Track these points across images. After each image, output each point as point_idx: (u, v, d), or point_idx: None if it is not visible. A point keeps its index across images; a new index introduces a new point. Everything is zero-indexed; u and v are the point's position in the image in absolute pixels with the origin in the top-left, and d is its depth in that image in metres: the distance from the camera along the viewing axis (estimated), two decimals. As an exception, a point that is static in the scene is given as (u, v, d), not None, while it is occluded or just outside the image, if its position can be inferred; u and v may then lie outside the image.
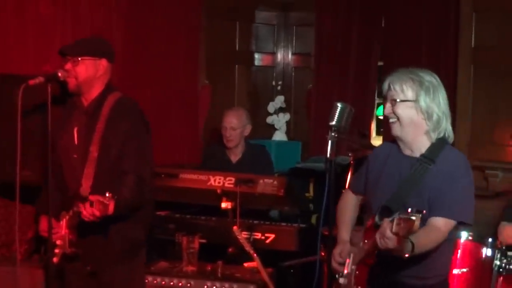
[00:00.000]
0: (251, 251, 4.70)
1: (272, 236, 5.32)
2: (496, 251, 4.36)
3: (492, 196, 5.95)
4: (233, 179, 5.38)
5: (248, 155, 6.02)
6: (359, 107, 6.93)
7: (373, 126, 7.38)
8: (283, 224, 5.47)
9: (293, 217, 5.74)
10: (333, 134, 3.27)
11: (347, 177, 5.04)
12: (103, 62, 4.17)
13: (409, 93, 3.36)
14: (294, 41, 7.96)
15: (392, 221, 3.01)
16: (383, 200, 3.41)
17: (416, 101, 3.34)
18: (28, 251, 5.20)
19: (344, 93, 7.14)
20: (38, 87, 3.92)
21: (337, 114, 3.29)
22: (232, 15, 7.67)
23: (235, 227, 4.83)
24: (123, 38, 6.44)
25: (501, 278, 4.34)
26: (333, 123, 3.28)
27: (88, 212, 3.81)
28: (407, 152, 3.45)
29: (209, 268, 4.97)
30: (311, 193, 6.13)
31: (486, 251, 4.40)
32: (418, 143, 3.40)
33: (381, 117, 7.21)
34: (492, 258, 4.36)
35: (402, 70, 3.43)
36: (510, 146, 6.05)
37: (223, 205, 5.13)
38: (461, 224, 3.38)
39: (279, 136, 7.80)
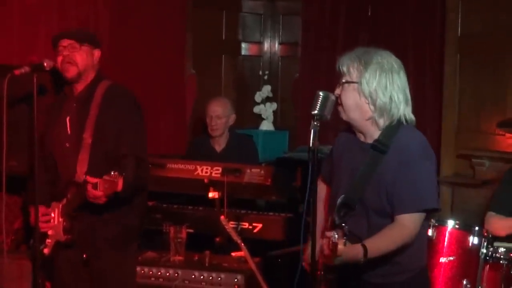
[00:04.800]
0: (239, 241, 4.71)
1: (260, 225, 5.32)
2: (483, 239, 4.37)
3: (479, 185, 5.97)
4: (220, 168, 5.38)
5: (233, 144, 6.02)
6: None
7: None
8: (271, 213, 5.47)
9: (280, 207, 5.75)
10: (315, 123, 3.25)
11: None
12: (97, 53, 4.24)
13: (354, 74, 3.26)
14: (281, 31, 7.95)
15: (329, 238, 2.97)
16: (341, 194, 3.33)
17: (359, 83, 3.24)
18: (15, 241, 5.19)
19: (331, 82, 7.06)
20: (24, 77, 3.91)
21: (319, 103, 3.27)
22: (219, 4, 7.65)
23: (222, 217, 4.83)
24: (109, 27, 6.41)
25: (488, 266, 4.35)
26: (316, 112, 3.26)
27: (92, 193, 3.81)
28: (361, 137, 3.35)
29: (197, 258, 4.97)
30: (299, 182, 6.13)
31: (473, 240, 4.40)
32: (367, 129, 3.30)
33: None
34: (478, 246, 4.36)
35: (357, 50, 3.31)
36: (497, 134, 6.06)
37: (210, 194, 5.13)
38: (430, 211, 3.28)
39: (266, 125, 7.79)
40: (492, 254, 4.34)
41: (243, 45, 7.91)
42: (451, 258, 4.35)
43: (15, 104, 4.27)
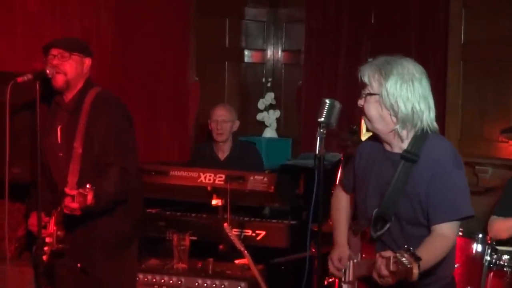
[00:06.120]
0: (242, 248, 4.70)
1: (263, 233, 5.32)
2: (487, 246, 4.36)
3: (482, 192, 5.95)
4: (223, 176, 5.38)
5: (236, 152, 6.02)
6: (349, 103, 6.94)
7: (363, 122, 7.36)
8: (274, 221, 5.46)
9: (284, 214, 5.74)
10: (321, 130, 3.25)
11: (337, 174, 5.03)
12: (87, 61, 4.21)
13: (375, 86, 3.21)
14: (284, 38, 7.95)
15: (388, 258, 2.92)
16: (373, 207, 3.30)
17: (380, 95, 3.20)
18: (19, 249, 5.19)
19: (334, 89, 7.13)
20: (26, 84, 3.91)
21: (325, 110, 3.27)
22: (222, 12, 7.65)
23: (225, 224, 4.82)
24: (112, 34, 6.42)
25: (492, 273, 4.34)
26: (322, 119, 3.26)
27: (68, 206, 3.81)
28: (387, 147, 3.32)
29: (200, 265, 4.97)
30: (302, 189, 6.13)
31: (477, 247, 4.40)
32: (391, 139, 3.27)
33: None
34: (482, 254, 4.36)
35: (377, 59, 3.27)
36: (500, 142, 6.05)
37: (214, 202, 5.13)
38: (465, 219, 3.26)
39: (269, 133, 7.79)
40: (496, 261, 4.33)
41: (246, 52, 7.91)
42: (455, 266, 4.34)
43: (17, 111, 4.27)
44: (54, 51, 4.12)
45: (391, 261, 2.90)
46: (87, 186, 3.73)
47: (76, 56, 4.14)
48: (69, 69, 4.11)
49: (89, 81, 4.23)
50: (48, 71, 4.02)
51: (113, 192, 4.00)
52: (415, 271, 2.81)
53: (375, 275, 3.04)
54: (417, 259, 2.82)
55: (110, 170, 4.03)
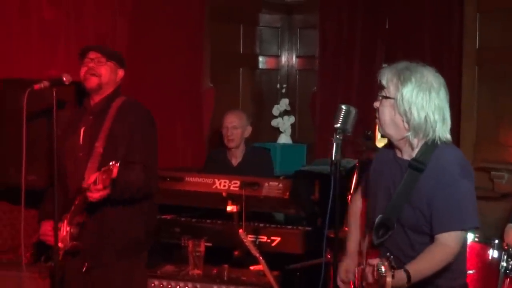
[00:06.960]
0: (257, 254, 4.70)
1: (278, 239, 5.30)
2: (503, 252, 4.34)
3: (498, 198, 5.93)
4: (238, 182, 5.38)
5: (249, 157, 6.03)
6: (363, 109, 6.92)
7: (378, 127, 7.36)
8: (289, 227, 5.45)
9: (299, 220, 5.74)
10: (338, 136, 3.25)
11: (352, 180, 5.03)
12: (121, 72, 4.32)
13: (392, 90, 3.22)
14: (298, 44, 7.97)
15: (373, 266, 2.93)
16: (379, 213, 3.30)
17: (395, 99, 3.20)
18: (34, 255, 5.20)
19: (348, 95, 7.13)
20: (43, 91, 3.93)
21: (341, 116, 3.27)
22: (236, 18, 7.67)
23: (240, 230, 4.82)
24: (127, 41, 6.45)
25: (508, 279, 4.33)
26: (338, 125, 3.26)
27: (93, 191, 3.79)
28: (398, 154, 3.33)
29: (215, 271, 4.96)
30: (317, 195, 6.12)
31: (493, 253, 4.39)
32: (403, 146, 3.27)
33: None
34: (498, 260, 4.35)
35: (399, 64, 3.27)
36: (515, 147, 6.03)
37: (229, 208, 5.13)
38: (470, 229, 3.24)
39: (284, 139, 7.80)
40: (512, 267, 4.31)
41: (261, 58, 7.92)
42: (471, 272, 4.33)
43: (33, 119, 4.29)
44: (92, 55, 4.20)
45: (375, 268, 2.91)
46: (110, 163, 3.68)
47: (112, 64, 4.24)
48: (104, 73, 4.20)
49: (118, 90, 4.31)
50: (64, 78, 4.04)
51: (136, 185, 4.02)
52: (388, 279, 2.82)
53: (364, 283, 3.05)
54: (392, 268, 2.83)
55: (134, 165, 4.04)
